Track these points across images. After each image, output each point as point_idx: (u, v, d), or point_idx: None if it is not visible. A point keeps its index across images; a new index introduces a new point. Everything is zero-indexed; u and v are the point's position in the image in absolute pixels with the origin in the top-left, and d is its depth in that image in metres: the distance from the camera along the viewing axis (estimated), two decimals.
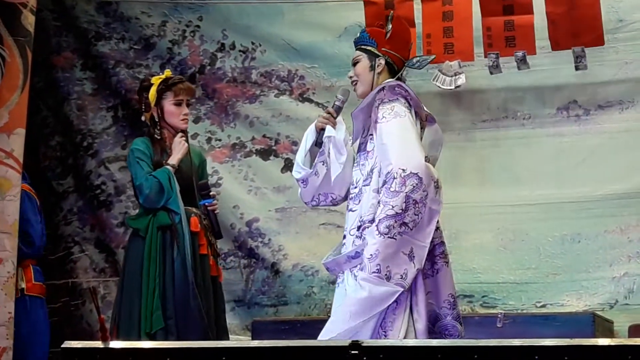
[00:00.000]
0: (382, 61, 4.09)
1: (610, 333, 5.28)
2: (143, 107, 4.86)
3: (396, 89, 4.03)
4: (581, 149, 5.73)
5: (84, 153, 6.35)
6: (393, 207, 3.78)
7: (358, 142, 4.16)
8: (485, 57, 5.12)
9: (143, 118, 4.93)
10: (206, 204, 4.82)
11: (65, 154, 6.38)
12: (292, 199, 6.16)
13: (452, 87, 4.77)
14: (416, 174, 3.80)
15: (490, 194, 5.79)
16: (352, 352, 3.02)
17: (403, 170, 3.80)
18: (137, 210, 5.15)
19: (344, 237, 4.13)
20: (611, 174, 5.66)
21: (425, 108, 4.16)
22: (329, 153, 4.11)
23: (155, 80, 4.87)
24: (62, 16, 6.41)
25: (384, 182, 3.84)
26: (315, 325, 5.58)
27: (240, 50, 6.29)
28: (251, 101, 6.28)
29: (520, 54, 5.00)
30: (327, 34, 6.14)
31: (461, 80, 4.89)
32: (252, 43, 6.26)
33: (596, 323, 5.11)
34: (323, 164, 4.13)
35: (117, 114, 6.39)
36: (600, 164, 5.69)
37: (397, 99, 4.00)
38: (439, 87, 5.05)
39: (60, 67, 6.39)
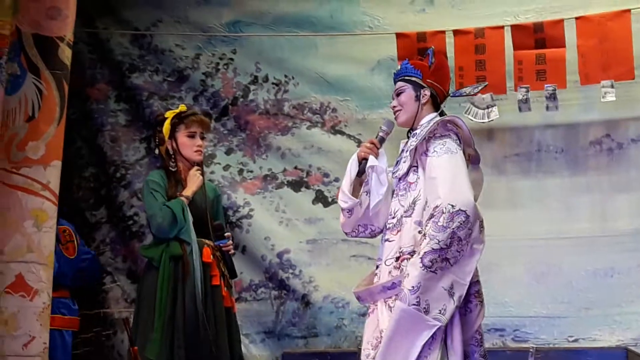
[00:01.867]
0: (428, 92, 4.12)
1: None
2: (157, 140, 4.93)
3: (448, 125, 4.05)
4: (614, 183, 5.70)
5: (117, 184, 6.40)
6: (439, 241, 3.80)
7: (398, 173, 4.16)
8: (516, 90, 5.12)
9: (157, 151, 4.99)
10: (221, 244, 4.86)
11: (98, 185, 6.42)
12: (323, 231, 6.17)
13: (485, 120, 4.78)
14: (464, 211, 3.81)
15: (523, 227, 5.77)
16: None
17: (452, 206, 3.81)
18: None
19: (377, 267, 4.12)
20: None
21: (474, 147, 4.17)
22: (371, 183, 4.12)
23: (169, 114, 4.96)
24: (97, 49, 6.48)
25: (431, 216, 3.85)
26: (345, 358, 5.62)
27: (273, 83, 6.33)
28: (283, 133, 6.31)
29: (550, 87, 5.00)
30: (359, 67, 6.17)
31: (494, 113, 4.90)
32: (285, 76, 6.30)
33: (629, 358, 5.07)
34: (367, 195, 4.15)
35: (149, 145, 6.43)
36: (633, 198, 5.66)
37: (449, 134, 4.03)
38: (472, 119, 5.05)
39: (95, 99, 6.45)
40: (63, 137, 4.94)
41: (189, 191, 4.84)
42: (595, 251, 5.65)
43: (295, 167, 6.27)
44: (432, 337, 3.82)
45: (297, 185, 6.27)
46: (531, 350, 5.22)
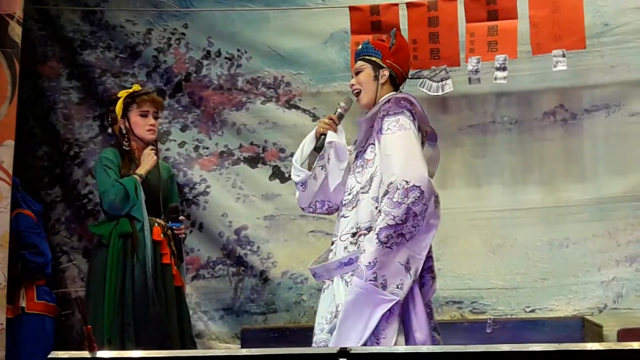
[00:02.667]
0: (387, 72, 4.14)
1: (599, 337, 5.28)
2: (110, 120, 4.91)
3: (402, 101, 4.07)
4: (568, 154, 5.73)
5: (70, 162, 6.34)
6: (394, 217, 3.82)
7: (355, 150, 4.16)
8: (466, 62, 5.13)
9: (110, 130, 4.99)
10: (174, 227, 4.85)
11: (52, 164, 6.36)
12: (281, 207, 6.15)
13: (439, 93, 4.78)
14: (419, 186, 3.83)
15: (478, 200, 5.79)
16: (341, 359, 3.01)
17: (406, 182, 3.83)
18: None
19: (333, 243, 4.13)
20: (598, 179, 5.65)
21: (429, 123, 4.17)
22: (328, 159, 4.13)
23: (122, 94, 4.96)
24: (47, 26, 6.40)
25: (386, 192, 3.87)
26: (304, 333, 5.58)
27: (226, 58, 6.28)
28: (238, 108, 6.27)
29: (501, 57, 5.01)
30: (313, 40, 6.14)
31: (448, 86, 4.90)
32: (238, 50, 6.26)
33: (585, 328, 5.10)
34: (322, 169, 4.15)
35: (103, 123, 6.37)
36: (587, 169, 5.69)
37: (403, 111, 4.04)
38: (426, 92, 5.06)
39: (46, 77, 6.37)
40: (15, 116, 4.90)
41: (142, 170, 4.84)
42: (550, 222, 5.68)
43: (251, 143, 6.25)
44: (390, 311, 3.84)
45: (253, 161, 6.25)
46: (489, 321, 5.26)
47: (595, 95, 5.70)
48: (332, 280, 4.04)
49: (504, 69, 5.08)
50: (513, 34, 5.05)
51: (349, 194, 4.07)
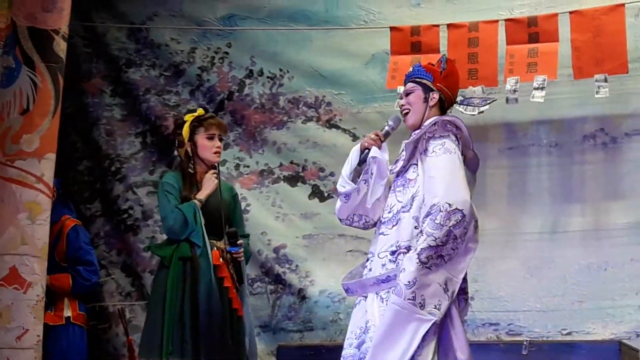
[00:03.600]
0: (436, 95, 4.18)
1: None
2: (177, 143, 5.00)
3: (448, 125, 4.12)
4: (608, 177, 5.70)
5: (112, 178, 6.42)
6: (435, 238, 3.86)
7: (397, 169, 4.19)
8: (505, 82, 5.13)
9: (176, 153, 5.05)
10: (232, 252, 4.91)
11: (93, 179, 6.45)
12: (320, 226, 6.17)
13: (475, 113, 4.78)
14: (461, 210, 3.88)
15: (517, 222, 5.77)
16: None
17: (449, 204, 3.88)
18: (163, 237, 5.25)
19: (369, 260, 4.14)
20: (638, 202, 5.61)
21: (473, 148, 4.21)
22: (371, 174, 4.16)
23: (189, 118, 5.02)
24: (93, 43, 6.50)
25: (428, 214, 3.90)
26: (340, 351, 5.59)
27: (268, 77, 6.34)
28: (279, 127, 6.32)
29: (540, 78, 5.00)
30: (354, 61, 6.17)
31: (485, 106, 4.89)
32: (280, 70, 6.31)
33: (622, 352, 5.06)
34: (365, 183, 4.19)
35: (145, 139, 6.45)
36: (627, 192, 5.65)
37: (449, 135, 4.09)
38: (462, 112, 5.06)
39: (90, 93, 6.47)
40: (57, 130, 4.95)
41: (203, 194, 4.91)
42: (588, 245, 5.65)
43: (291, 162, 6.28)
44: (428, 331, 3.84)
45: (293, 180, 6.28)
46: (525, 343, 5.23)
47: (636, 120, 5.66)
48: (365, 297, 4.05)
49: (542, 88, 5.07)
50: (554, 57, 5.04)
51: (389, 212, 4.10)
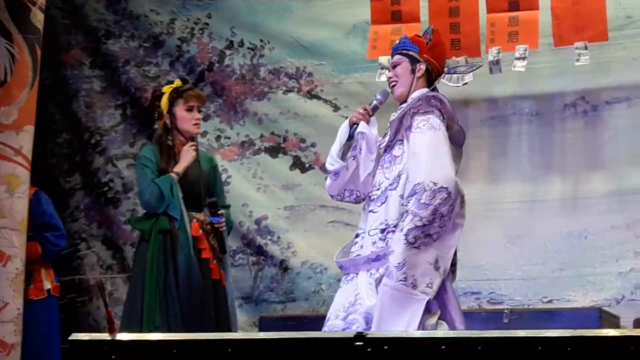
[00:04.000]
0: (423, 66, 4.18)
1: (616, 328, 5.26)
2: (156, 115, 4.97)
3: (432, 100, 4.11)
4: (588, 145, 5.72)
5: (91, 150, 6.40)
6: (421, 218, 3.87)
7: (384, 144, 4.18)
8: (487, 52, 5.13)
9: (156, 126, 5.03)
10: (213, 221, 4.90)
11: (72, 151, 6.42)
12: (301, 197, 6.18)
13: (459, 84, 4.78)
14: (446, 188, 3.88)
15: (497, 191, 5.79)
16: (357, 343, 3.02)
17: (434, 183, 3.88)
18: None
19: (358, 236, 4.14)
20: (618, 170, 5.64)
21: (457, 121, 4.21)
22: (360, 149, 4.15)
23: (167, 89, 4.99)
24: (71, 14, 6.45)
25: (414, 192, 3.91)
26: (321, 321, 5.57)
27: (248, 48, 6.31)
28: (259, 98, 6.30)
29: (522, 48, 5.00)
30: (335, 31, 6.16)
31: (468, 76, 4.88)
32: (261, 40, 6.29)
33: (602, 318, 5.09)
34: (354, 159, 4.19)
35: (125, 111, 6.42)
36: (607, 160, 5.68)
37: (433, 110, 4.08)
38: (446, 83, 5.06)
39: (69, 65, 6.43)
40: (36, 102, 4.93)
41: (180, 167, 4.90)
42: (569, 213, 5.68)
43: (272, 133, 6.27)
44: (428, 309, 3.91)
45: (274, 151, 6.27)
46: (506, 311, 5.26)
47: (616, 88, 5.68)
48: (356, 273, 4.06)
49: (523, 58, 5.06)
50: (534, 25, 5.03)
51: (378, 189, 4.10)
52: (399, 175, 4.04)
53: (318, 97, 6.21)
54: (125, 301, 4.96)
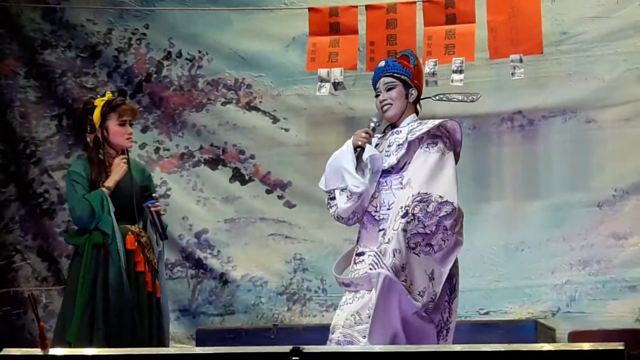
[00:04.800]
0: (415, 92, 4.24)
1: (552, 340, 5.32)
2: (88, 128, 4.90)
3: (440, 128, 4.16)
4: (525, 159, 5.79)
5: (26, 161, 6.31)
6: (425, 226, 3.89)
7: (387, 164, 4.18)
8: (423, 64, 5.16)
9: (88, 139, 4.96)
10: (149, 205, 4.85)
11: (7, 162, 6.33)
12: (241, 210, 6.15)
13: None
14: (452, 202, 3.93)
15: None
16: (293, 358, 3.02)
17: (440, 197, 3.93)
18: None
19: (363, 254, 4.11)
20: (554, 184, 5.71)
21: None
22: (372, 171, 4.16)
23: (99, 102, 4.93)
24: (6, 23, 6.37)
25: (421, 200, 3.93)
26: (260, 334, 5.61)
27: (187, 59, 6.28)
28: (198, 110, 6.27)
29: (458, 60, 5.04)
30: (274, 44, 6.15)
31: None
32: (199, 51, 6.26)
33: (538, 330, 5.14)
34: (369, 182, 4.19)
35: (61, 122, 6.35)
36: (543, 174, 5.75)
37: (441, 137, 4.14)
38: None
39: (3, 75, 6.34)
40: None
41: (111, 181, 4.84)
42: (506, 227, 5.74)
43: (212, 145, 6.24)
44: (432, 320, 3.91)
45: (213, 163, 6.24)
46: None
47: (552, 102, 5.75)
48: (368, 290, 3.99)
49: (460, 71, 5.11)
50: (470, 38, 5.09)
51: (388, 209, 4.09)
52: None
53: (257, 109, 6.19)
54: (58, 314, 4.89)
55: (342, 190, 4.13)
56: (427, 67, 5.12)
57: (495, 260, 5.72)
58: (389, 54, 5.05)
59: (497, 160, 5.81)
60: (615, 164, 5.63)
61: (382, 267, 3.82)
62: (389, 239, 3.89)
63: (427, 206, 3.91)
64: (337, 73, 5.36)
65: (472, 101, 4.40)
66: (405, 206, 3.91)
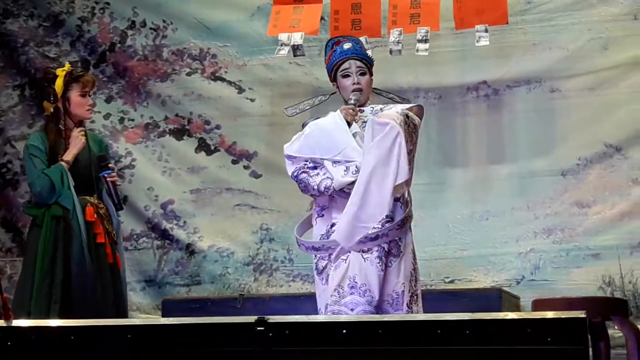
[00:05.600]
0: (372, 79, 4.32)
1: (516, 308, 5.36)
2: (51, 98, 4.84)
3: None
4: (490, 129, 5.80)
5: None
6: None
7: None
8: (388, 34, 5.15)
9: (46, 109, 4.90)
10: (105, 175, 4.83)
11: None
12: (207, 180, 6.14)
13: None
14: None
15: None
16: (258, 328, 3.02)
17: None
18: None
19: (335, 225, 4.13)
20: (519, 153, 5.74)
21: None
22: None
23: (60, 73, 4.87)
24: None
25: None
26: (226, 304, 5.60)
27: (151, 28, 6.23)
28: (163, 80, 6.23)
29: (423, 30, 5.03)
30: (239, 13, 6.12)
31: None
32: (164, 21, 6.21)
33: (503, 299, 5.18)
34: None
35: (24, 92, 6.30)
36: (508, 143, 5.77)
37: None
38: None
39: None
40: None
41: (70, 155, 4.79)
42: (471, 195, 5.76)
43: (177, 115, 6.21)
44: None
45: (179, 133, 6.21)
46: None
47: (517, 72, 5.77)
48: (341, 258, 4.02)
49: (425, 41, 5.11)
50: (435, 7, 5.08)
51: None
52: None
53: (222, 79, 6.17)
54: (16, 286, 4.85)
55: (336, 162, 4.10)
56: (392, 36, 5.12)
57: (460, 229, 5.75)
58: (354, 23, 5.05)
59: (463, 130, 5.82)
60: (579, 133, 5.67)
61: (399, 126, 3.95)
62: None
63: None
64: (297, 37, 5.32)
65: (406, 102, 4.41)
66: None
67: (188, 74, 6.19)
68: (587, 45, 5.69)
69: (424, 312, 4.01)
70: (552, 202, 5.65)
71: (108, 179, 4.83)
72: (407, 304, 4.00)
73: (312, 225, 4.20)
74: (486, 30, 5.06)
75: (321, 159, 4.11)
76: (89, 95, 4.92)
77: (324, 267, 4.07)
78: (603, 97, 5.66)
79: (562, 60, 5.72)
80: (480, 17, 5.04)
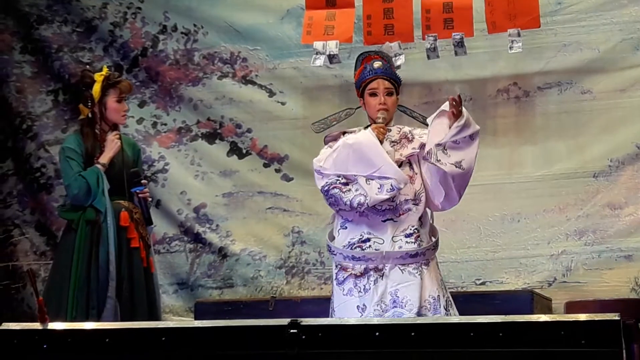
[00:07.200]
0: (399, 97, 4.38)
1: (548, 310, 5.34)
2: (89, 102, 4.89)
3: None
4: (521, 131, 5.79)
5: (23, 136, 6.31)
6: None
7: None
8: (424, 39, 5.15)
9: (82, 112, 4.95)
10: (137, 191, 4.87)
11: (4, 137, 6.33)
12: (239, 183, 6.16)
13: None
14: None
15: None
16: (291, 331, 3.03)
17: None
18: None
19: (370, 240, 4.16)
20: (550, 155, 5.72)
21: None
22: None
23: (98, 77, 4.92)
24: (1, 0, 6.34)
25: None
26: (258, 306, 5.63)
27: (182, 33, 6.26)
28: (194, 84, 6.26)
29: (458, 35, 5.04)
30: (269, 16, 6.14)
31: (401, 60, 4.92)
32: (194, 25, 6.24)
33: (535, 301, 5.16)
34: None
35: (57, 97, 6.35)
36: (539, 145, 5.75)
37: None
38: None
39: None
40: None
41: (105, 157, 4.85)
42: (502, 198, 5.74)
43: (209, 119, 6.24)
44: None
45: (211, 137, 6.24)
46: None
47: (548, 73, 5.75)
48: (376, 269, 4.07)
49: (461, 45, 5.11)
50: (468, 12, 5.08)
51: (392, 201, 4.17)
52: (418, 194, 4.20)
53: (253, 83, 6.19)
54: (47, 288, 4.89)
55: (369, 179, 4.11)
56: (427, 42, 5.13)
57: (491, 231, 5.74)
58: (386, 28, 5.05)
59: (493, 131, 5.80)
60: (610, 135, 5.64)
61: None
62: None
63: None
64: (332, 45, 5.35)
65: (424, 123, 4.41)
66: None
67: (219, 78, 6.22)
68: (619, 45, 5.66)
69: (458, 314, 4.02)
70: (584, 204, 5.62)
71: (140, 195, 4.87)
72: (444, 307, 4.03)
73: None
74: (519, 35, 5.05)
75: (355, 175, 4.12)
76: (124, 100, 4.96)
77: (345, 279, 4.10)
78: (635, 99, 5.63)
79: (593, 61, 5.70)
80: (513, 21, 5.04)
